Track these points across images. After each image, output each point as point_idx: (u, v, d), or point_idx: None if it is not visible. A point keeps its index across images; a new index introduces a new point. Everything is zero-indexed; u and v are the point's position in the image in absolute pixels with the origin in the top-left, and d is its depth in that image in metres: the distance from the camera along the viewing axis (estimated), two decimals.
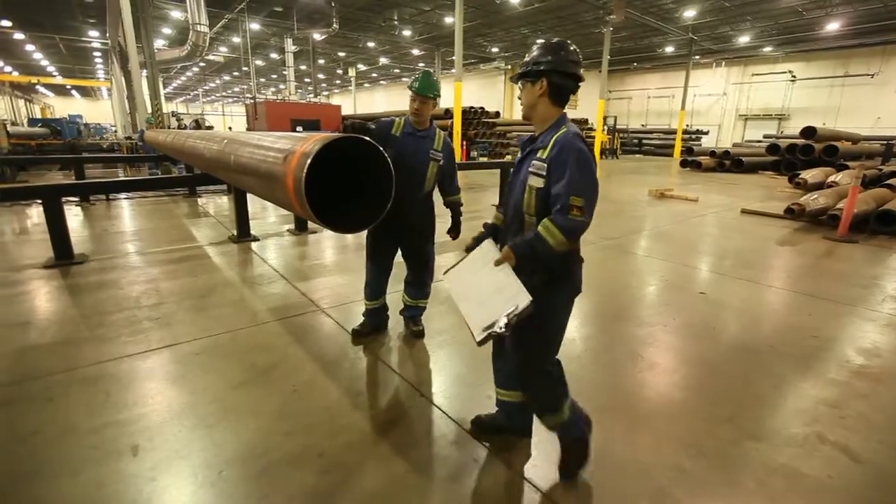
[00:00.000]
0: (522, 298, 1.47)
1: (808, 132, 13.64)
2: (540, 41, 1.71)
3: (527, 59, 1.68)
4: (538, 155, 1.60)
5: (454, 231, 2.97)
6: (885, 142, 15.54)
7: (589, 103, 28.89)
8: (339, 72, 35.55)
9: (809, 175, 9.41)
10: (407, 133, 2.72)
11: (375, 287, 3.01)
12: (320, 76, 36.61)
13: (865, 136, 17.17)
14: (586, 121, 23.76)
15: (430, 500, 1.77)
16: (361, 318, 3.12)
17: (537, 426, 1.92)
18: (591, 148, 1.55)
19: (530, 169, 1.62)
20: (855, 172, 6.27)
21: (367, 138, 2.36)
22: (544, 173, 1.57)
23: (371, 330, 3.10)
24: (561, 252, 1.54)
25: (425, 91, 2.62)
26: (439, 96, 2.70)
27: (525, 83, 1.69)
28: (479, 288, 1.62)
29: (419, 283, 3.02)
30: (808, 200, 6.91)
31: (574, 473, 1.84)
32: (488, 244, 1.74)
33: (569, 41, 1.66)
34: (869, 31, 19.82)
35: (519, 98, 1.73)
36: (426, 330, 3.14)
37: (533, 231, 1.56)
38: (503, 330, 1.44)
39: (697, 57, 26.03)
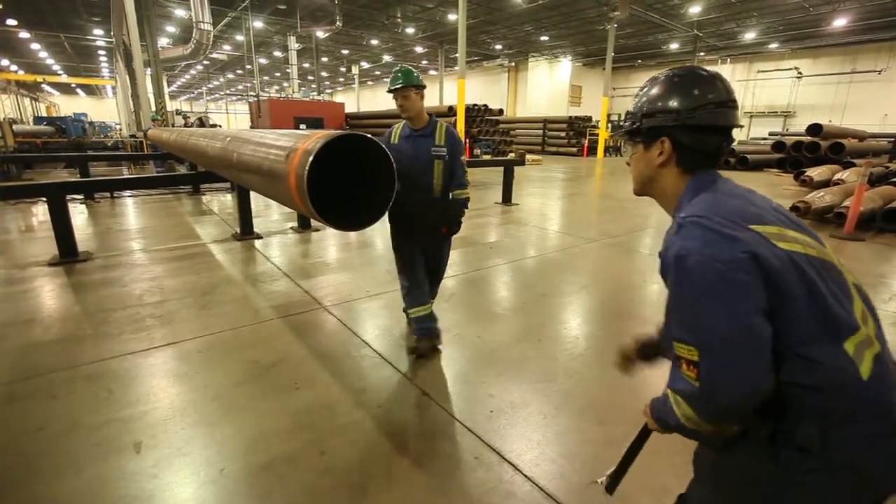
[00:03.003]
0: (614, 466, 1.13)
1: (815, 129, 13.53)
2: (659, 77, 1.01)
3: (635, 103, 1.04)
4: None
5: (447, 226, 2.71)
6: (893, 139, 15.40)
7: (593, 100, 28.78)
8: (343, 69, 35.56)
9: (815, 173, 9.34)
10: (405, 136, 2.59)
11: (419, 293, 2.78)
12: (323, 74, 36.63)
13: (872, 134, 17.02)
14: (590, 118, 23.67)
15: (431, 499, 1.77)
16: (362, 318, 3.11)
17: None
18: (726, 255, 0.79)
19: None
20: (861, 170, 6.21)
21: (369, 136, 2.35)
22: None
23: (431, 346, 2.82)
24: (706, 432, 0.88)
25: (399, 84, 2.45)
26: (418, 85, 2.49)
27: (633, 146, 1.05)
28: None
29: (434, 286, 2.95)
30: (813, 198, 6.85)
31: None
32: None
33: (711, 70, 0.98)
34: (877, 27, 19.63)
35: (627, 164, 1.10)
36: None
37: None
38: (602, 486, 1.13)
39: (702, 54, 25.87)
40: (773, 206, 0.94)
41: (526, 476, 1.86)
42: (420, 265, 2.80)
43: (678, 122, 0.95)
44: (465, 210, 2.71)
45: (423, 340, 2.80)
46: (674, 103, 0.96)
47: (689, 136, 0.96)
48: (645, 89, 1.03)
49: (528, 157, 17.56)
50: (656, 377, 2.71)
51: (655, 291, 4.13)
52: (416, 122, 2.57)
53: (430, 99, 35.69)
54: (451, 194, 2.65)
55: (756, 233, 0.82)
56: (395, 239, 2.78)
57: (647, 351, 1.27)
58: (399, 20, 21.12)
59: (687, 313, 0.83)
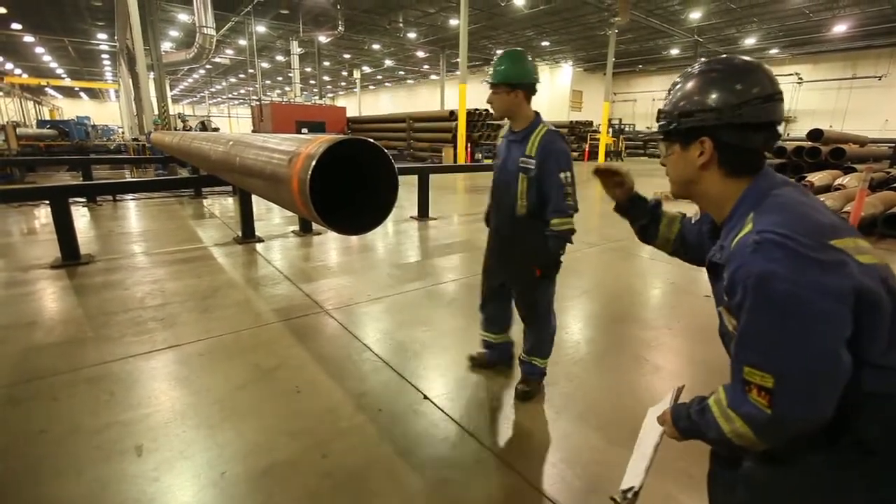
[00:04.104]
0: (637, 479, 1.06)
1: (815, 135, 13.52)
2: (694, 71, 0.93)
3: (668, 100, 0.96)
4: (724, 279, 0.87)
5: (538, 262, 2.16)
6: (893, 144, 15.41)
7: (594, 105, 28.85)
8: (344, 74, 35.73)
9: (816, 178, 9.35)
10: (504, 137, 2.22)
11: (488, 315, 2.58)
12: (325, 78, 36.81)
13: (873, 139, 17.03)
14: (591, 123, 23.73)
15: (432, 503, 1.76)
16: (363, 321, 3.10)
17: None
18: (817, 284, 0.74)
19: (721, 308, 0.92)
20: (862, 175, 6.22)
21: (371, 140, 2.36)
22: (733, 316, 0.87)
23: (488, 364, 2.66)
24: (753, 447, 0.85)
25: (492, 78, 2.06)
26: (515, 84, 2.03)
27: (669, 146, 0.98)
28: (643, 438, 1.17)
29: (528, 329, 2.42)
30: None
31: None
32: (674, 394, 1.18)
33: (752, 60, 0.90)
34: (877, 33, 19.71)
35: (662, 164, 1.03)
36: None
37: (701, 402, 0.96)
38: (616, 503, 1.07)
39: (703, 59, 25.94)
40: (829, 209, 0.88)
41: (527, 481, 1.85)
42: (496, 299, 2.49)
43: (721, 121, 0.87)
44: (566, 244, 2.12)
45: (483, 356, 2.69)
46: (715, 100, 0.88)
47: (732, 135, 0.88)
48: (679, 85, 0.95)
49: None
50: (656, 383, 2.71)
51: (656, 296, 4.13)
52: (516, 124, 2.14)
53: (431, 103, 35.85)
54: (549, 223, 2.08)
55: (839, 250, 0.77)
56: (484, 257, 2.50)
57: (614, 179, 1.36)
58: (401, 25, 21.23)
59: (766, 340, 0.78)
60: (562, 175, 2.01)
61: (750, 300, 0.78)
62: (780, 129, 0.90)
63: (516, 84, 2.03)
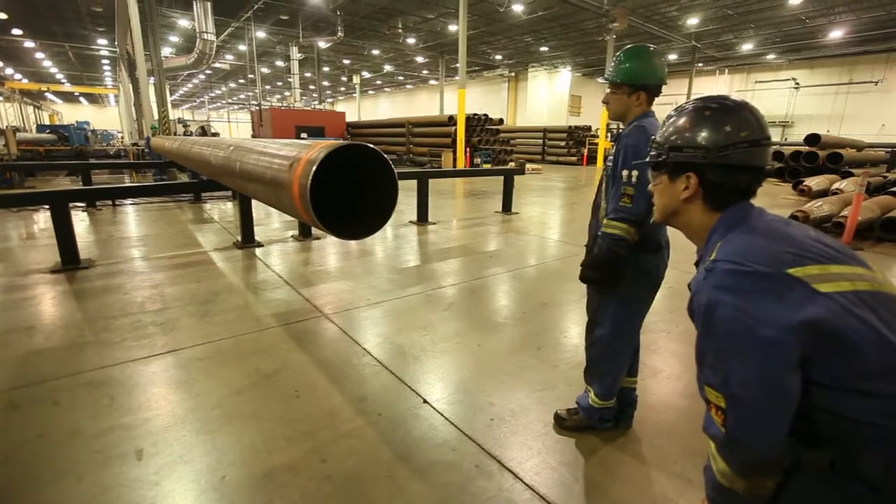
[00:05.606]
0: None
1: (812, 139, 13.61)
2: (688, 107, 0.96)
3: (661, 132, 1.00)
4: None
5: (585, 265, 1.97)
6: (890, 149, 15.50)
7: (592, 110, 28.91)
8: (344, 79, 35.86)
9: (813, 182, 9.40)
10: None
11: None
12: (325, 83, 36.93)
13: (870, 144, 17.13)
14: (590, 128, 23.82)
15: None
16: (363, 326, 3.11)
17: None
18: (759, 312, 0.78)
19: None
20: (859, 180, 6.25)
21: (371, 146, 2.38)
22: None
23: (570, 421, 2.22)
24: (740, 490, 0.86)
25: (613, 76, 1.86)
26: (634, 84, 1.80)
27: (657, 175, 1.02)
28: None
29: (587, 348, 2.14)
30: (812, 208, 6.88)
31: None
32: None
33: (745, 103, 0.93)
34: (873, 39, 19.86)
35: (650, 190, 1.07)
36: (434, 339, 3.12)
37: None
38: None
39: (700, 64, 26.10)
40: (811, 236, 0.89)
41: (527, 484, 1.86)
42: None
43: (707, 160, 0.91)
44: (614, 253, 1.81)
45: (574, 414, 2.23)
46: (704, 139, 0.91)
47: (718, 174, 0.92)
48: (672, 119, 0.98)
49: (528, 166, 17.66)
50: (654, 386, 2.71)
51: (655, 299, 4.14)
52: (624, 122, 1.91)
53: (430, 108, 35.73)
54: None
55: (795, 279, 0.78)
56: None
57: None
58: (400, 30, 21.35)
59: (715, 362, 0.83)
60: (624, 173, 1.76)
61: (700, 324, 0.85)
62: (768, 169, 0.94)
63: (641, 85, 1.81)
